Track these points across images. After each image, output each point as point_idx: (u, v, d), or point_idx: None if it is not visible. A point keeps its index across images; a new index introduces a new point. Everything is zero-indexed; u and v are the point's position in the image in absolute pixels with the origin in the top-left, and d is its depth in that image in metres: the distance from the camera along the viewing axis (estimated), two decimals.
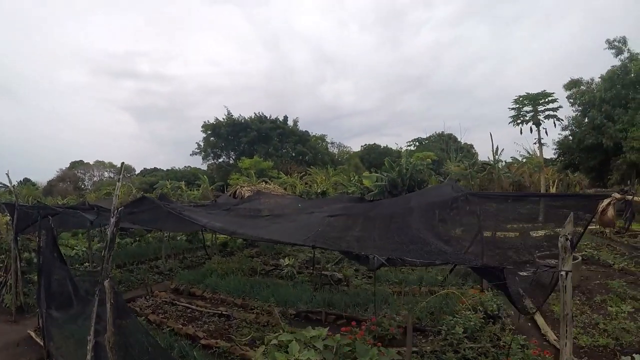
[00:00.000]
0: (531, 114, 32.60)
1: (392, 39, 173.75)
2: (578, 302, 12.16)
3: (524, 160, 40.07)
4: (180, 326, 10.67)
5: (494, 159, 32.34)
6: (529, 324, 10.83)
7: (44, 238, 9.59)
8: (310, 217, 13.71)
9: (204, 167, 77.90)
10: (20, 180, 64.20)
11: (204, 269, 17.46)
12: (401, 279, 15.03)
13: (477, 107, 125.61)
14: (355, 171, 57.43)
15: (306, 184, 41.38)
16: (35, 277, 15.49)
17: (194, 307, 12.75)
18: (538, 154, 35.33)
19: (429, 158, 36.99)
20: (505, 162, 35.77)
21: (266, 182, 36.63)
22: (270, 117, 76.02)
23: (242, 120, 74.22)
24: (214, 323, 11.43)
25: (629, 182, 31.95)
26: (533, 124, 32.58)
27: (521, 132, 33.12)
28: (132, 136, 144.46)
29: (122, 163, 7.15)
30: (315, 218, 12.93)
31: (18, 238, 12.27)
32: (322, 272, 15.48)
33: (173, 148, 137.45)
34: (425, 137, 76.85)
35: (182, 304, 13.07)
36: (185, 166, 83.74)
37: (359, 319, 10.68)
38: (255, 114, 75.60)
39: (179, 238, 24.72)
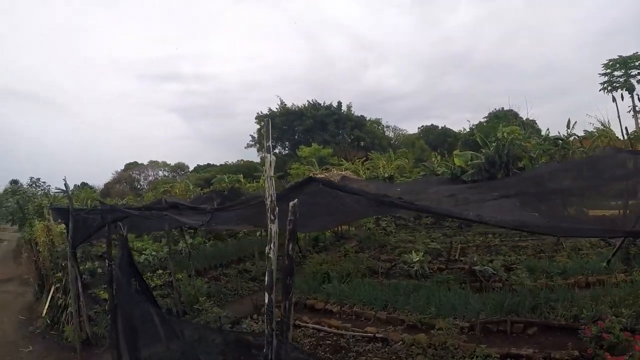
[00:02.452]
0: (623, 78, 30.29)
1: (430, 19, 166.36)
2: None
3: (596, 133, 35.89)
4: None
5: (567, 133, 29.55)
6: None
7: (118, 256, 6.59)
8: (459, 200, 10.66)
9: (257, 159, 75.23)
10: (78, 185, 63.14)
11: (310, 270, 14.35)
12: (563, 269, 12.19)
13: (524, 81, 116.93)
14: (420, 153, 54.42)
15: (368, 169, 38.52)
16: (102, 292, 12.80)
17: (327, 328, 9.48)
18: (611, 126, 31.94)
19: (516, 132, 33.01)
20: (578, 137, 31.98)
21: (327, 170, 34.48)
22: (324, 103, 72.66)
23: (296, 109, 71.14)
24: (372, 353, 8.13)
25: None
26: (625, 89, 30.41)
27: (614, 100, 31.33)
28: (181, 136, 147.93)
29: (266, 120, 4.26)
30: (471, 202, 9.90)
31: (76, 251, 9.32)
32: (472, 266, 12.09)
33: (222, 144, 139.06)
34: (486, 114, 71.62)
35: (310, 325, 9.81)
36: (238, 160, 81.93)
37: (552, 325, 8.76)
38: (309, 102, 72.93)
39: (258, 234, 21.54)
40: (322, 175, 28.53)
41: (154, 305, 6.40)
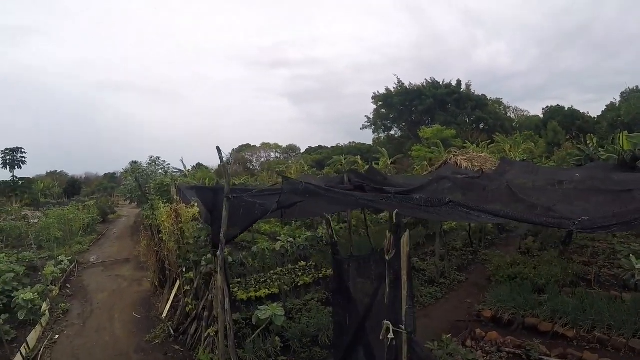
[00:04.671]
0: None
1: None
2: None
3: None
4: None
5: None
6: None
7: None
8: None
9: (370, 142, 74.03)
10: (194, 165, 63.84)
11: (499, 274, 11.48)
12: None
13: None
14: (553, 137, 49.13)
15: (492, 153, 34.50)
16: (238, 290, 10.06)
17: None
18: None
19: None
20: None
21: (456, 153, 30.79)
22: (443, 82, 67.64)
23: (415, 88, 66.71)
24: None
25: None
26: None
27: None
28: (292, 119, 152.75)
29: None
30: None
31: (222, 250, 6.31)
32: None
33: (331, 126, 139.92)
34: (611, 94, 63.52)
35: None
36: (350, 142, 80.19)
37: None
38: (427, 80, 68.11)
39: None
40: (464, 157, 25.09)
41: None
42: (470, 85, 69.66)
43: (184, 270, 9.56)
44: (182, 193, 10.02)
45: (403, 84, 68.26)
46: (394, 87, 68.70)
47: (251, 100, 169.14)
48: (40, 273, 13.84)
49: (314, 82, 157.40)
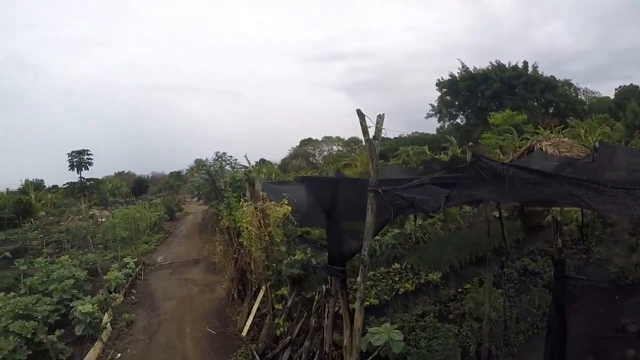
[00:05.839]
0: None
1: None
2: None
3: None
4: None
5: None
6: None
7: None
8: None
9: (432, 131, 72.18)
10: (257, 161, 63.90)
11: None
12: None
13: None
14: (633, 118, 45.98)
15: (568, 138, 31.90)
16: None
17: None
18: None
19: None
20: None
21: (530, 138, 28.56)
22: (509, 64, 64.16)
23: (480, 72, 63.46)
24: None
25: None
26: None
27: None
28: (348, 113, 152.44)
29: None
30: None
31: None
32: None
33: (389, 117, 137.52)
34: None
35: None
36: (412, 132, 77.38)
37: None
38: (492, 64, 64.72)
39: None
40: (548, 143, 23.01)
41: None
42: (537, 66, 65.63)
43: (273, 283, 8.03)
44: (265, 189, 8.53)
45: (467, 68, 65.19)
46: (458, 73, 65.80)
47: (308, 94, 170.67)
48: (104, 278, 12.80)
49: (370, 74, 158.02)
